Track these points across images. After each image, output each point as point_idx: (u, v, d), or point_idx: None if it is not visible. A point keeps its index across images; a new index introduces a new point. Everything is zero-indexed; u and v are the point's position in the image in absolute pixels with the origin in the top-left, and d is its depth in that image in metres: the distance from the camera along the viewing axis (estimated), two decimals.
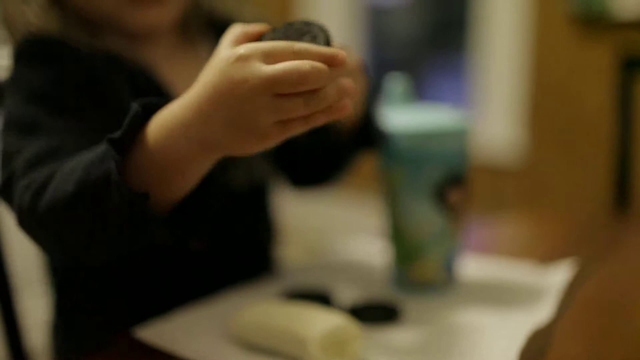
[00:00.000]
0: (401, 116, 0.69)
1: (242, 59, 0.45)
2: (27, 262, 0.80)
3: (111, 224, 0.50)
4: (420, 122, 0.67)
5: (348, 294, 0.69)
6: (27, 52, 0.66)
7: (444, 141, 0.66)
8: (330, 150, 0.76)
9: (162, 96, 0.67)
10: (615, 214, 1.05)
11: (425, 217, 0.67)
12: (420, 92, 3.20)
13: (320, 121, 0.48)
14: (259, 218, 0.81)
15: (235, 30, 0.50)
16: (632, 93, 1.13)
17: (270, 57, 0.45)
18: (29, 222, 0.54)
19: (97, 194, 0.49)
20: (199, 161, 0.50)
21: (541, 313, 0.62)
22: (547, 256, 0.80)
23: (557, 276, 0.71)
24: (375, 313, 0.62)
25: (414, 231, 0.68)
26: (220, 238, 0.73)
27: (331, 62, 0.45)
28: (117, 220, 0.49)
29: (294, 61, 0.44)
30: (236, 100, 0.45)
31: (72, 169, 0.51)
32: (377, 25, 3.27)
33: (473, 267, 0.75)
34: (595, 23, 2.16)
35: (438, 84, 3.20)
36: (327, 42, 0.48)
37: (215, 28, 0.76)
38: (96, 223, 0.50)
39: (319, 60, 0.45)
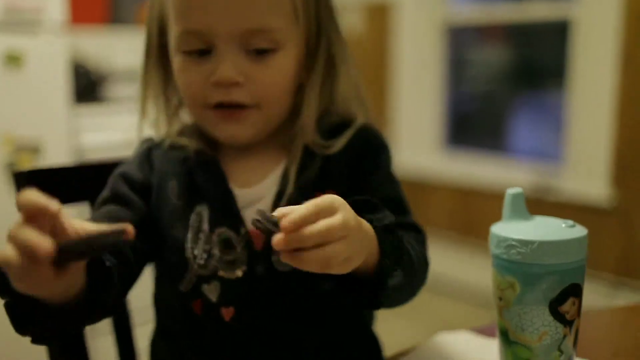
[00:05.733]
0: (517, 228, 0.67)
1: None
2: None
3: None
4: (538, 233, 0.65)
5: None
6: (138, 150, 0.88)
7: (562, 253, 0.65)
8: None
9: (221, 185, 0.81)
10: None
11: (538, 326, 0.66)
12: (499, 131, 3.14)
13: None
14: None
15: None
16: None
17: None
18: None
19: None
20: None
21: None
22: None
23: None
24: None
25: (525, 339, 0.66)
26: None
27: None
28: None
29: None
30: None
31: None
32: (460, 54, 3.18)
33: None
34: None
35: (518, 124, 3.11)
36: None
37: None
38: None
39: None
